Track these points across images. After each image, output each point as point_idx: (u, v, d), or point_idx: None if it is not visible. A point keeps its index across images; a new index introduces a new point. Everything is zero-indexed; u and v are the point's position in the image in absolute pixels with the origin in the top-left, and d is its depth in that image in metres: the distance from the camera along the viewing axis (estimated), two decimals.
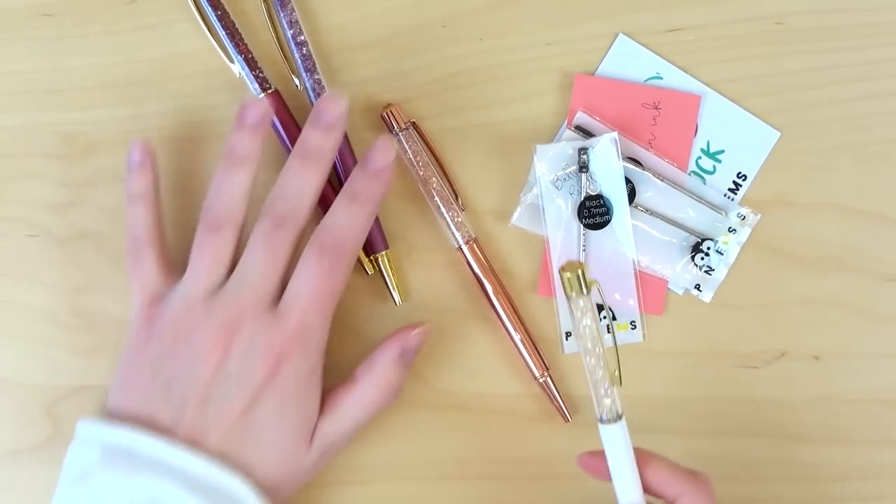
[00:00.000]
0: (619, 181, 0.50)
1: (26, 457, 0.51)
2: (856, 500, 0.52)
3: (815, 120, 0.52)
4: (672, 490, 0.42)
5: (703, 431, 0.52)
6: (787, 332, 0.52)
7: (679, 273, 0.52)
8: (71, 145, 0.52)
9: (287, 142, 0.50)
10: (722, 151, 0.52)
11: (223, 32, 0.50)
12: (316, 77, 0.50)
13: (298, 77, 0.50)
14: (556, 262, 0.51)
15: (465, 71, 0.52)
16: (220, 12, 0.50)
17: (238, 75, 0.50)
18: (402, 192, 0.52)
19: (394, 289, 0.51)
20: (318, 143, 0.47)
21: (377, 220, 0.50)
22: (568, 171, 0.51)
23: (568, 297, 0.41)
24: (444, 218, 0.51)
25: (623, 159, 0.51)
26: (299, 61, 0.50)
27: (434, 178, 0.50)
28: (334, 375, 0.48)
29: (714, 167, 0.52)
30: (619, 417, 0.42)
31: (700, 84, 0.52)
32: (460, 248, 0.51)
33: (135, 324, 0.47)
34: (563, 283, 0.41)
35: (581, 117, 0.51)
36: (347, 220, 0.46)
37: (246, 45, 0.50)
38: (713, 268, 0.52)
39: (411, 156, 0.50)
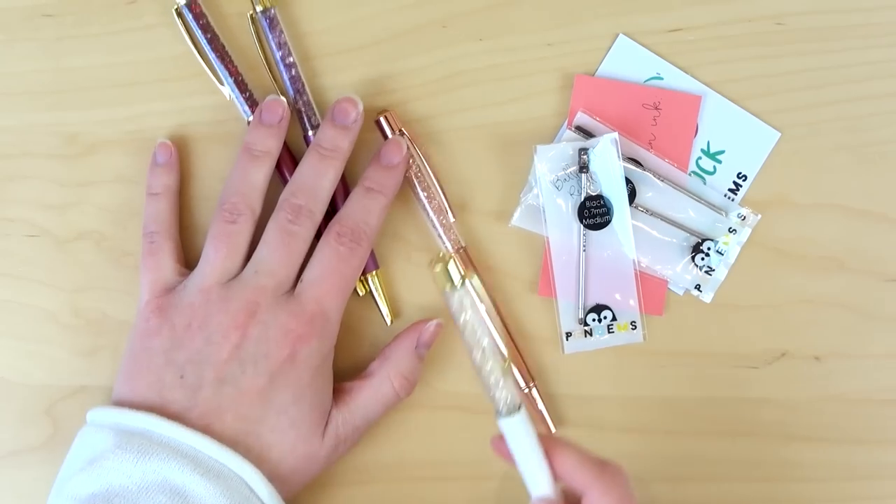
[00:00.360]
0: (619, 181, 0.50)
1: (27, 457, 0.51)
2: (856, 500, 0.52)
3: (815, 120, 0.52)
4: (579, 481, 0.40)
5: (703, 431, 0.52)
6: (787, 332, 0.52)
7: (679, 273, 0.52)
8: (71, 145, 0.52)
9: (281, 167, 0.50)
10: (722, 152, 0.52)
11: (213, 55, 0.50)
12: (305, 99, 0.50)
13: (288, 98, 0.50)
14: (557, 261, 0.51)
15: (465, 71, 0.52)
16: (209, 35, 0.50)
17: (228, 98, 0.50)
18: (403, 192, 0.52)
19: (385, 308, 0.51)
20: (335, 140, 0.48)
21: None
22: (568, 171, 0.51)
23: (442, 292, 0.39)
24: (435, 227, 0.51)
25: (623, 159, 0.51)
26: (288, 83, 0.50)
27: (427, 185, 0.50)
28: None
29: (714, 167, 0.52)
30: (517, 409, 0.39)
31: (700, 84, 0.52)
32: (454, 254, 0.51)
33: (143, 314, 0.47)
34: (434, 277, 0.38)
35: (581, 118, 0.51)
36: (363, 209, 0.48)
37: (235, 67, 0.50)
38: (713, 268, 0.52)
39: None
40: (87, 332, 0.52)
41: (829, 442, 0.52)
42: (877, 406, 0.52)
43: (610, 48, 0.52)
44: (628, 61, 0.52)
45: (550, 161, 0.51)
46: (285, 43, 0.50)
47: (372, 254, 0.51)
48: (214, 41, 0.50)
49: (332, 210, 0.50)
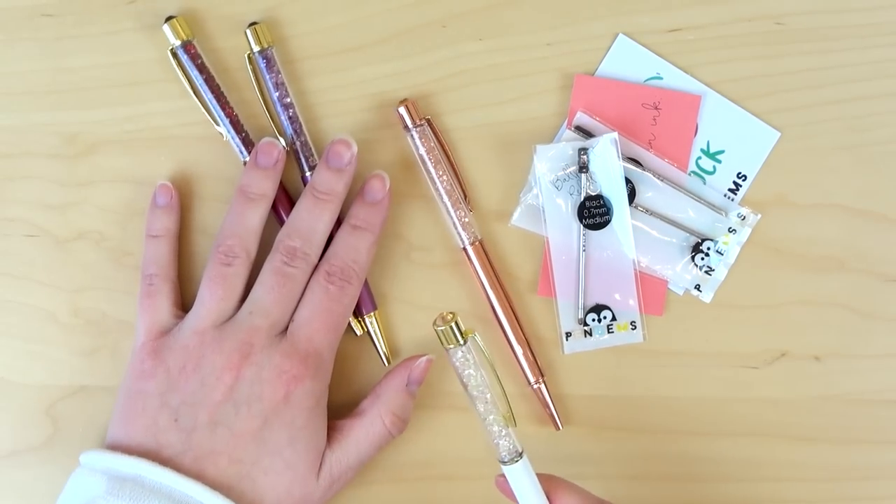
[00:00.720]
0: (619, 181, 0.50)
1: (26, 457, 0.51)
2: (856, 500, 0.52)
3: (815, 120, 0.52)
4: None
5: (702, 431, 0.52)
6: (787, 332, 0.52)
7: (679, 273, 0.52)
8: (71, 145, 0.52)
9: (277, 208, 0.50)
10: (722, 151, 0.52)
11: (209, 96, 0.50)
12: (303, 140, 0.50)
13: (285, 138, 0.51)
14: (557, 261, 0.51)
15: (465, 71, 0.52)
16: (205, 76, 0.50)
17: (224, 138, 0.50)
18: (404, 192, 0.52)
19: (383, 349, 0.51)
20: (330, 183, 0.49)
21: (366, 282, 0.51)
22: (568, 171, 0.51)
23: (446, 350, 0.41)
24: (451, 217, 0.51)
25: (623, 159, 0.51)
26: (286, 123, 0.50)
27: (444, 177, 0.50)
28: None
29: (714, 167, 0.52)
30: (519, 456, 0.42)
31: (700, 84, 0.52)
32: (465, 249, 0.51)
33: (138, 356, 0.47)
34: (438, 336, 0.40)
35: (581, 117, 0.51)
36: (351, 248, 0.48)
37: (231, 108, 0.50)
38: (713, 268, 0.52)
39: (424, 153, 0.50)
40: (86, 332, 0.52)
41: (829, 442, 0.52)
42: (877, 406, 0.52)
43: (610, 48, 0.52)
44: (628, 61, 0.52)
45: (550, 161, 0.51)
46: (283, 83, 0.50)
47: (370, 295, 0.51)
48: (210, 81, 0.50)
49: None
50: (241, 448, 0.45)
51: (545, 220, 0.51)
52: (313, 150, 0.51)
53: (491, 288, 0.51)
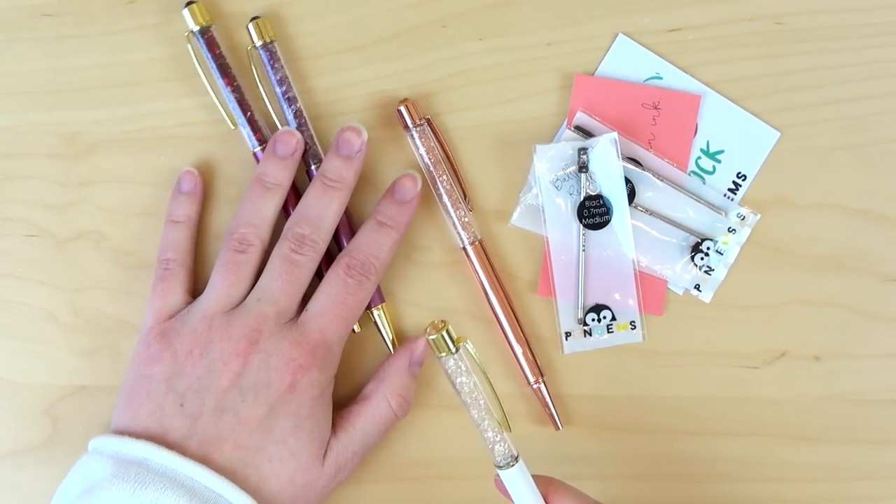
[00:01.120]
0: (618, 181, 0.50)
1: (26, 456, 0.51)
2: (856, 500, 0.52)
3: (815, 120, 0.52)
4: None
5: (702, 431, 0.52)
6: (787, 332, 0.52)
7: (679, 273, 0.52)
8: (71, 145, 0.52)
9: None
10: (722, 151, 0.52)
11: (222, 83, 0.50)
12: (308, 133, 0.50)
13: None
14: (557, 261, 0.51)
15: (465, 71, 0.52)
16: (220, 63, 0.50)
17: (233, 128, 0.50)
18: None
19: (391, 343, 0.51)
20: (340, 171, 0.49)
21: None
22: (568, 171, 0.51)
23: (438, 358, 0.41)
24: (451, 217, 0.51)
25: (623, 159, 0.51)
26: (291, 118, 0.50)
27: (444, 177, 0.50)
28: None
29: (714, 167, 0.52)
30: (515, 460, 0.42)
31: (700, 84, 0.52)
32: (464, 249, 0.51)
33: (145, 339, 0.47)
34: (430, 345, 0.40)
35: (581, 117, 0.51)
36: (374, 243, 0.48)
37: (245, 99, 0.50)
38: (713, 268, 0.52)
39: (423, 152, 0.50)
40: (86, 331, 0.52)
41: (829, 442, 0.52)
42: (877, 406, 0.52)
43: (609, 48, 0.52)
44: (628, 61, 0.52)
45: (550, 161, 0.51)
46: (286, 78, 0.50)
47: (378, 287, 0.51)
48: (225, 69, 0.50)
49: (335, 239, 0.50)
50: (246, 435, 0.45)
51: (545, 220, 0.51)
52: (318, 144, 0.51)
53: (491, 288, 0.51)
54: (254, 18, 0.50)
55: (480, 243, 0.51)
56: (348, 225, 0.51)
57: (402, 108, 0.50)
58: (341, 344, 0.48)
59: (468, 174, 0.52)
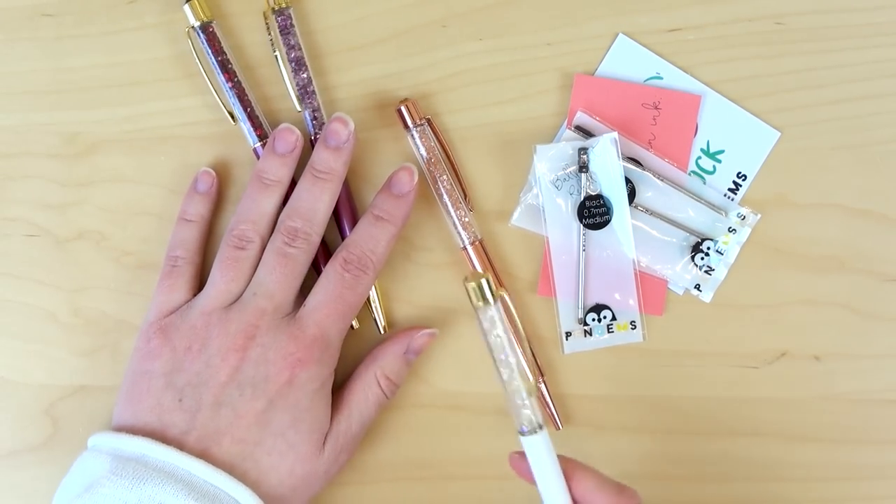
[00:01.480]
0: (619, 181, 0.50)
1: (26, 456, 0.51)
2: (856, 499, 0.52)
3: (815, 120, 0.52)
4: (598, 503, 0.41)
5: (703, 431, 0.52)
6: (787, 332, 0.52)
7: (679, 273, 0.52)
8: (71, 145, 0.52)
9: None
10: (722, 151, 0.52)
11: (222, 78, 0.50)
12: (315, 102, 0.50)
13: (300, 101, 0.50)
14: (557, 261, 0.51)
15: (465, 71, 0.52)
16: (221, 58, 0.50)
17: (234, 123, 0.50)
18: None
19: (381, 317, 0.51)
20: (329, 163, 0.48)
21: None
22: (568, 171, 0.51)
23: (475, 308, 0.40)
24: (452, 217, 0.51)
25: (623, 159, 0.51)
26: (299, 86, 0.50)
27: (444, 177, 0.50)
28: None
29: (714, 167, 0.52)
30: (539, 427, 0.40)
31: (700, 84, 0.52)
32: (465, 249, 0.51)
33: (146, 334, 0.48)
34: (468, 293, 0.40)
35: (581, 117, 0.51)
36: (371, 238, 0.48)
37: (246, 93, 0.50)
38: (713, 268, 0.52)
39: (424, 152, 0.50)
40: (86, 331, 0.52)
41: (829, 442, 0.52)
42: (877, 406, 0.52)
43: (610, 48, 0.52)
44: (628, 61, 0.52)
45: (550, 161, 0.51)
46: (298, 44, 0.50)
47: None
48: (226, 65, 0.50)
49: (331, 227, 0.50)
50: (244, 429, 0.45)
51: (545, 220, 0.51)
52: (325, 116, 0.51)
53: None
54: None
55: (481, 243, 0.51)
56: (352, 216, 0.51)
57: (402, 108, 0.50)
58: (340, 338, 0.48)
59: (468, 174, 0.52)
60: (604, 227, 0.51)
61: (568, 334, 0.52)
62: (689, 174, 0.52)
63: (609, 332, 0.52)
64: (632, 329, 0.52)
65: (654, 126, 0.52)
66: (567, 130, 0.52)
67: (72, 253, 0.52)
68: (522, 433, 0.41)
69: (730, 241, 0.52)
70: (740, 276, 0.52)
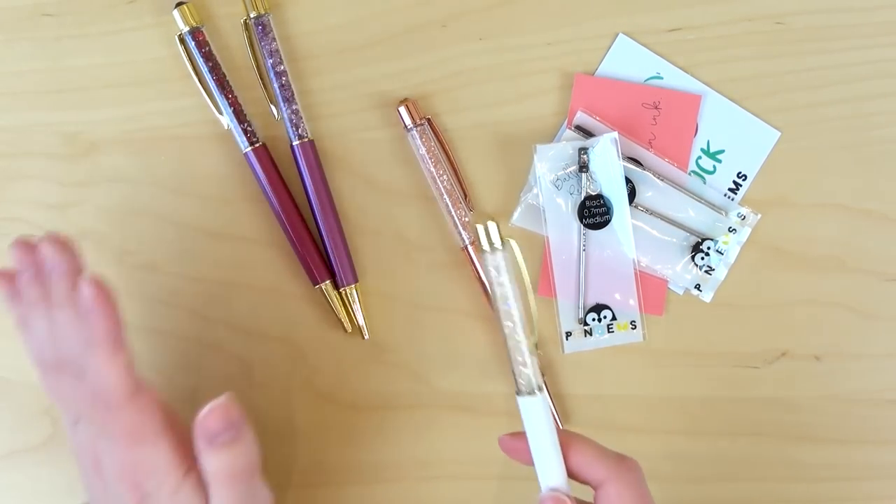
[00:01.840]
0: (619, 181, 0.50)
1: (26, 457, 0.51)
2: (856, 500, 0.52)
3: (815, 120, 0.52)
4: (597, 474, 0.39)
5: (703, 431, 0.52)
6: (787, 332, 0.52)
7: (679, 273, 0.52)
8: (71, 145, 0.52)
9: (270, 195, 0.50)
10: (722, 151, 0.52)
11: (213, 84, 0.50)
12: (294, 107, 0.50)
13: (277, 107, 0.51)
14: (557, 260, 0.51)
15: (465, 71, 0.52)
16: (211, 64, 0.50)
17: (226, 127, 0.51)
18: (405, 192, 0.52)
19: (361, 322, 0.51)
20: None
21: (348, 255, 0.51)
22: (568, 171, 0.51)
23: (483, 252, 0.38)
24: (452, 217, 0.51)
25: (623, 159, 0.51)
26: (278, 91, 0.50)
27: (444, 177, 0.51)
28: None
29: (714, 167, 0.52)
30: (539, 389, 0.39)
31: (700, 84, 0.52)
32: (465, 249, 0.51)
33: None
34: (477, 235, 0.38)
35: (581, 117, 0.51)
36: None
37: (235, 97, 0.50)
38: (713, 268, 0.52)
39: (424, 152, 0.50)
40: None
41: (829, 442, 0.52)
42: (877, 406, 0.52)
43: (610, 47, 0.52)
44: (628, 61, 0.52)
45: (550, 160, 0.51)
46: (277, 50, 0.50)
47: (352, 267, 0.51)
48: (216, 70, 0.50)
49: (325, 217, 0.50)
50: None
51: (545, 220, 0.51)
52: (304, 118, 0.51)
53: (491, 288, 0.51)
54: None
55: None
56: (331, 208, 0.51)
57: (402, 108, 0.50)
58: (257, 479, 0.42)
59: (468, 174, 0.52)
60: (604, 226, 0.51)
61: (568, 334, 0.52)
62: (690, 174, 0.52)
63: (609, 331, 0.52)
64: (632, 329, 0.52)
65: (655, 126, 0.52)
66: (567, 130, 0.52)
67: None
68: (520, 393, 0.39)
69: (730, 240, 0.52)
70: (740, 276, 0.52)
